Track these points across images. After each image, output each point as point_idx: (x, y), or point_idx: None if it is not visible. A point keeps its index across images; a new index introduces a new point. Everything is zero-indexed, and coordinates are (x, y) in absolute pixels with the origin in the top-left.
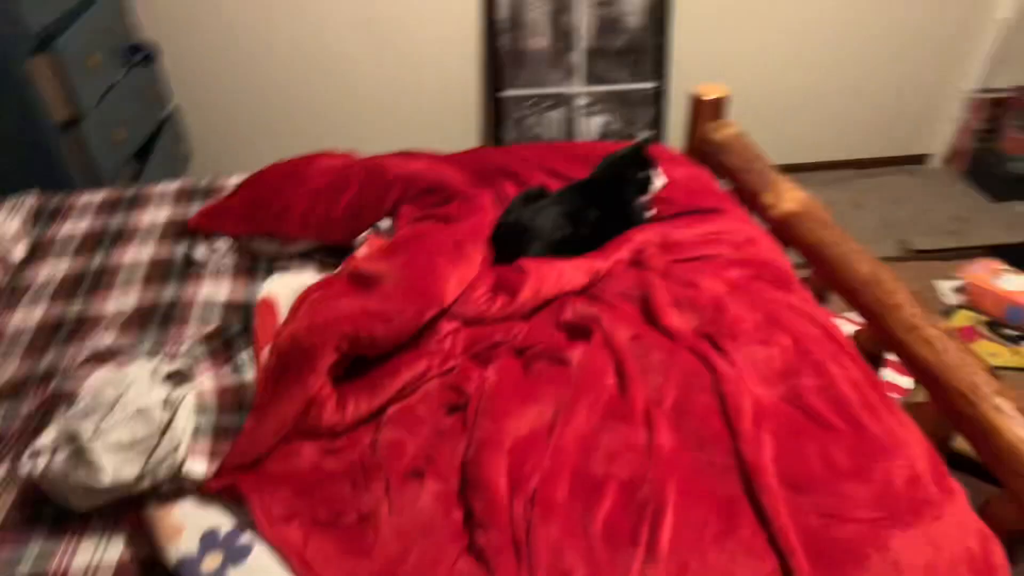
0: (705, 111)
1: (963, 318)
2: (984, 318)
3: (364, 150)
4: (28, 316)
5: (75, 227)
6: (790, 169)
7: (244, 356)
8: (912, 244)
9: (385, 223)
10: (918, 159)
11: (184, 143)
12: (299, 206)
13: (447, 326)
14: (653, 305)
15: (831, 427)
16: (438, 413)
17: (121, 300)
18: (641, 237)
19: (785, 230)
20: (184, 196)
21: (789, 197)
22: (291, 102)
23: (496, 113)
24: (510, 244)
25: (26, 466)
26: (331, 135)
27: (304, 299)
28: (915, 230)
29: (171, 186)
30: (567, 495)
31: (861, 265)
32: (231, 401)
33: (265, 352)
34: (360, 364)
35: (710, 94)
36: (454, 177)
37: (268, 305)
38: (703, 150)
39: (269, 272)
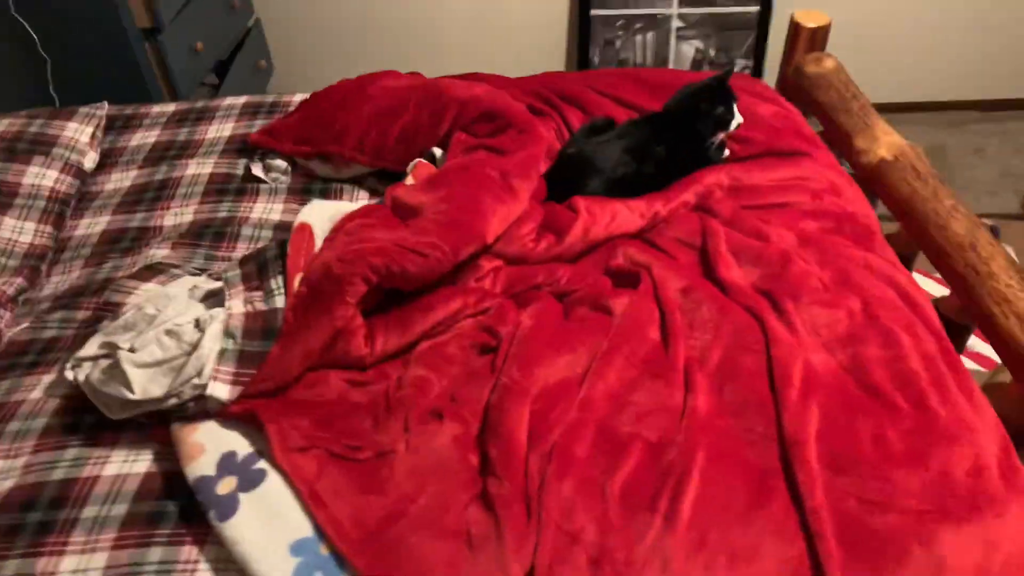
0: (802, 41)
1: None
2: None
3: (446, 70)
4: (93, 225)
5: (144, 138)
6: (901, 108)
7: (276, 282)
8: None
9: (438, 151)
10: None
11: (265, 58)
12: (355, 128)
13: (488, 264)
14: (711, 255)
15: (890, 404)
16: (469, 353)
17: (179, 214)
18: (710, 179)
19: (875, 180)
20: (249, 111)
21: (885, 143)
22: (374, 19)
23: (584, 34)
24: (568, 179)
25: (69, 373)
26: (415, 55)
27: (340, 228)
28: None
29: (239, 100)
30: (588, 452)
31: (956, 224)
32: (259, 327)
33: (296, 280)
34: (395, 298)
35: (809, 21)
36: (513, 105)
37: (304, 232)
38: (797, 84)
39: (324, 195)
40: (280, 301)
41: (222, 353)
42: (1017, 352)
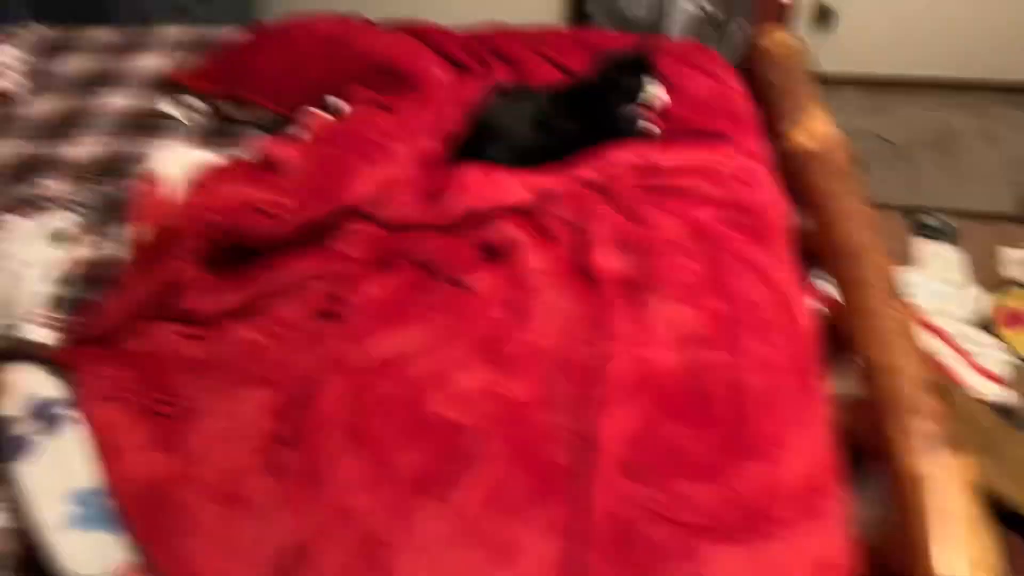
0: (768, 12)
1: (1017, 298)
2: None
3: (436, 15)
4: (6, 151)
5: (71, 64)
6: (910, 84)
7: (114, 230)
8: None
9: (338, 102)
10: None
11: None
12: (267, 73)
13: (355, 227)
14: (588, 238)
15: (709, 414)
16: (308, 319)
17: (89, 147)
18: (618, 156)
19: (792, 169)
20: (181, 45)
21: (809, 130)
22: None
23: None
24: (472, 144)
25: None
26: None
27: (201, 179)
28: None
29: (171, 32)
30: (389, 431)
31: (853, 228)
32: (87, 273)
33: (138, 228)
34: (250, 252)
35: None
36: (418, 62)
37: (151, 180)
38: (754, 60)
39: (234, 138)
40: (112, 249)
41: (50, 296)
42: (870, 366)
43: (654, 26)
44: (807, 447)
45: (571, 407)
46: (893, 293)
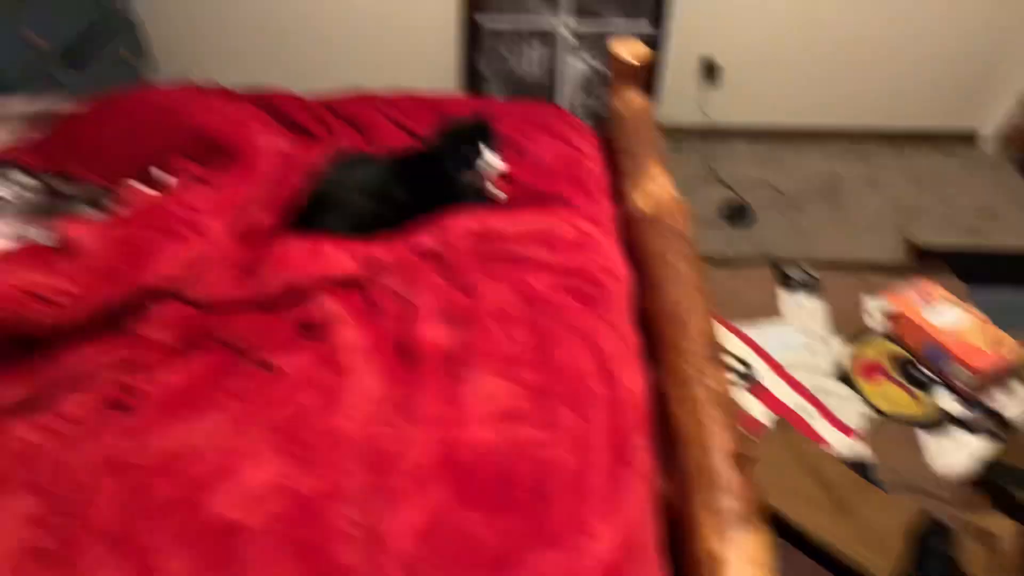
0: (623, 73)
1: (876, 350)
2: (902, 353)
3: (331, 76)
4: None
5: None
6: (799, 134)
7: None
8: (916, 238)
9: (163, 175)
10: (966, 138)
11: (145, 56)
12: (97, 145)
13: (161, 309)
14: (414, 311)
15: (513, 499)
16: (94, 411)
17: None
18: (457, 223)
19: (631, 230)
20: (25, 118)
21: (647, 192)
22: (261, 22)
23: (474, 43)
24: (308, 213)
25: None
26: (299, 58)
27: None
28: (929, 222)
29: (16, 106)
30: (161, 538)
31: (680, 292)
32: None
33: None
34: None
35: (625, 53)
36: (240, 134)
37: None
38: (608, 122)
39: (61, 215)
40: None
41: None
42: (680, 438)
43: (545, 84)
44: (616, 530)
45: (364, 500)
46: (713, 361)
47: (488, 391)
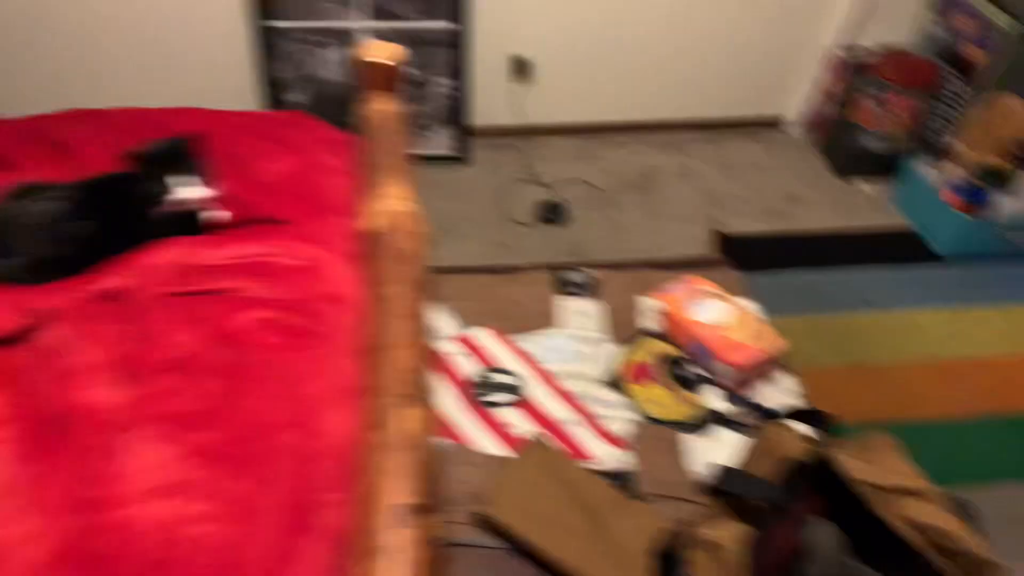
0: (371, 77)
1: (646, 351)
2: (671, 353)
3: (114, 91)
4: None
5: None
6: (614, 128)
7: None
8: (722, 227)
9: None
10: (771, 124)
11: None
12: None
13: None
14: (75, 369)
15: None
16: None
17: None
18: (152, 259)
19: (363, 249)
20: None
21: (383, 208)
22: (41, 32)
23: (268, 47)
24: None
25: None
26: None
27: None
28: (737, 209)
29: None
30: None
31: (389, 321)
32: None
33: None
34: None
35: (371, 56)
36: None
37: None
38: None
39: None
40: None
41: None
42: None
43: (350, 87)
44: None
45: None
46: (411, 399)
47: (147, 461)
